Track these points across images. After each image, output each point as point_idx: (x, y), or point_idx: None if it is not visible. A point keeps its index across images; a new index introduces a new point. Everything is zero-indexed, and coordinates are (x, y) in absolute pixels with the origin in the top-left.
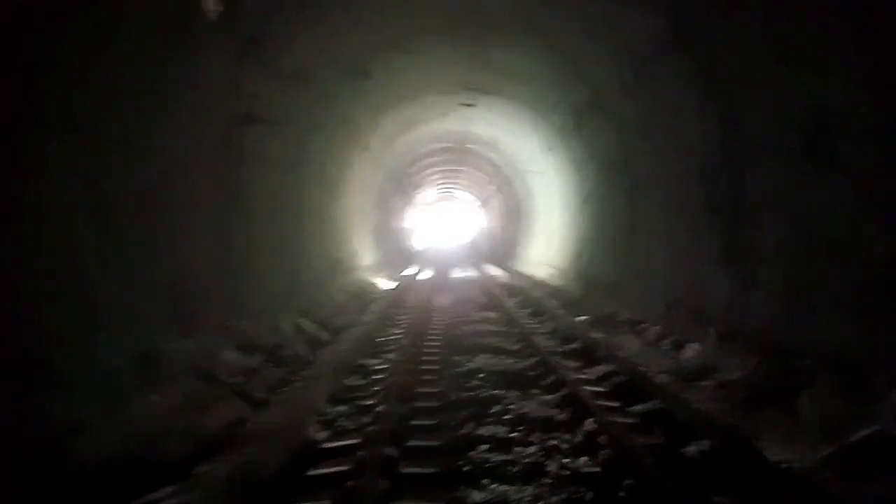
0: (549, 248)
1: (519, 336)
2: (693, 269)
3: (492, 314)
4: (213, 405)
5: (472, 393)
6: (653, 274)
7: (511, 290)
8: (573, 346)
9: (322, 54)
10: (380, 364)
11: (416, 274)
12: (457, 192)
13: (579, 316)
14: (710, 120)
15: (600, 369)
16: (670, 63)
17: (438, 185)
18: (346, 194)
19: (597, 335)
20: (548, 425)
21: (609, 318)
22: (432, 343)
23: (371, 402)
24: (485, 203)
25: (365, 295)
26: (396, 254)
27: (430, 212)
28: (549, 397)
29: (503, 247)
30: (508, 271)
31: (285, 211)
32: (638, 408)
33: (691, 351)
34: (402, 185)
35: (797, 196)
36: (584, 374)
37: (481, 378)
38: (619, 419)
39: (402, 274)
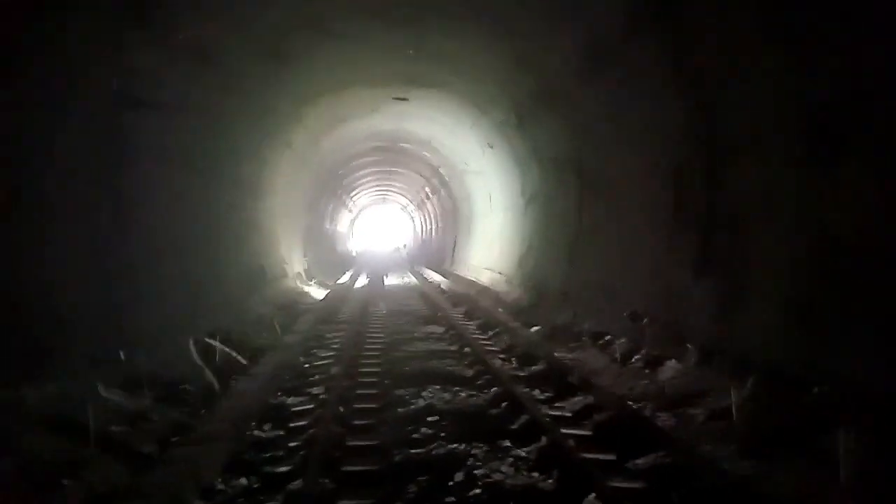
0: (490, 251)
1: (472, 357)
2: (662, 278)
3: (437, 328)
4: (74, 471)
5: (422, 449)
6: (612, 281)
7: (454, 298)
8: (536, 367)
9: (227, 29)
10: (302, 403)
11: (352, 281)
12: (391, 195)
13: (532, 327)
14: (683, 109)
15: (577, 402)
16: (637, 45)
17: (372, 187)
18: (269, 196)
19: (560, 354)
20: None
21: (565, 330)
22: (369, 369)
23: (283, 468)
24: (420, 206)
25: (293, 307)
26: (330, 259)
27: (365, 215)
28: (525, 452)
29: (441, 250)
30: (448, 276)
31: (190, 214)
32: (640, 462)
33: (669, 370)
34: (332, 188)
35: (798, 193)
36: (559, 409)
37: (433, 423)
38: (625, 484)
39: (336, 281)
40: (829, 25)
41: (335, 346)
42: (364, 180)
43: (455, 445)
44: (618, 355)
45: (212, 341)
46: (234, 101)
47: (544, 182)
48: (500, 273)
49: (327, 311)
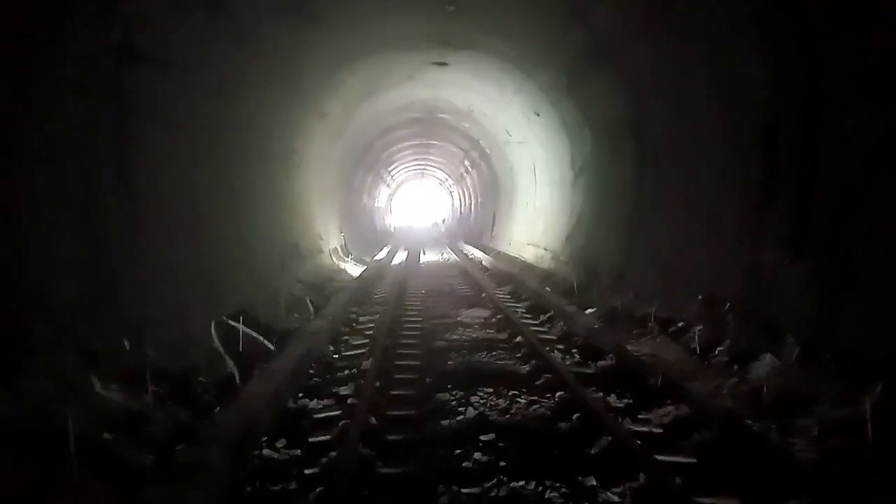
0: (534, 227)
1: (526, 349)
2: (747, 256)
3: (482, 312)
4: (44, 496)
5: (477, 489)
6: (680, 259)
7: (497, 276)
8: (604, 363)
9: None
10: (326, 409)
11: (389, 257)
12: (429, 170)
13: (587, 309)
14: (774, 54)
15: (665, 413)
16: None
17: (410, 161)
18: (303, 169)
19: (629, 345)
20: None
21: (626, 314)
22: (407, 362)
23: None
24: (459, 180)
25: (327, 285)
26: (367, 235)
27: (403, 190)
28: (618, 498)
29: (480, 226)
30: (489, 252)
31: (211, 185)
32: None
33: (763, 367)
34: (369, 162)
35: None
36: (645, 424)
37: (488, 444)
38: None
39: (373, 258)
40: None
41: (368, 333)
42: (402, 153)
43: (521, 484)
44: (696, 346)
45: (235, 324)
46: (260, 64)
47: (597, 150)
48: (545, 249)
49: (363, 291)
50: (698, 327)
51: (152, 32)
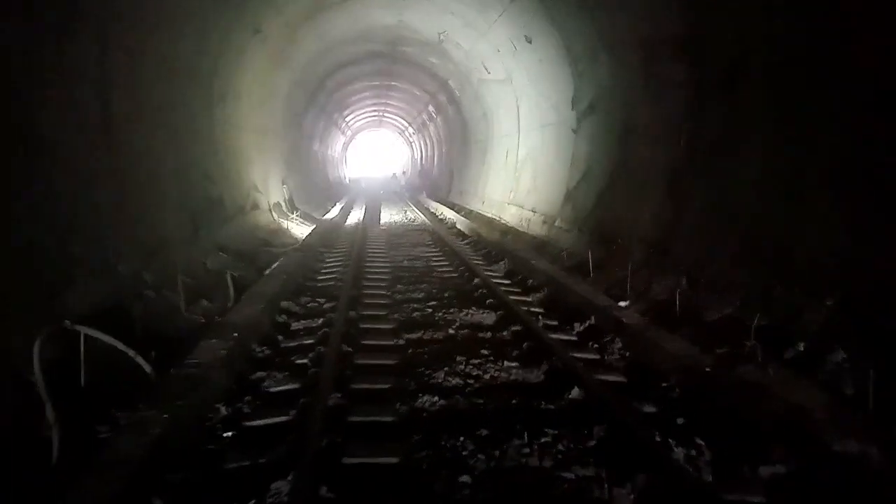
0: (517, 182)
1: (597, 425)
2: None
3: (484, 316)
4: None
5: None
6: (781, 233)
7: (482, 246)
8: (775, 470)
9: None
10: None
11: (343, 214)
12: (388, 117)
13: (620, 301)
14: None
15: None
16: None
17: (368, 106)
18: (232, 100)
19: (824, 430)
20: None
21: (689, 314)
22: (368, 461)
23: None
24: (421, 128)
25: (261, 253)
26: (319, 187)
27: (360, 140)
28: None
29: (446, 179)
30: (460, 212)
31: (65, 105)
32: None
33: None
34: (321, 102)
35: None
36: None
37: None
38: None
39: (323, 216)
40: None
41: (301, 362)
42: (358, 95)
43: None
44: (850, 391)
45: (88, 330)
46: None
47: (619, 81)
48: (533, 211)
49: (305, 268)
50: (837, 355)
51: None
